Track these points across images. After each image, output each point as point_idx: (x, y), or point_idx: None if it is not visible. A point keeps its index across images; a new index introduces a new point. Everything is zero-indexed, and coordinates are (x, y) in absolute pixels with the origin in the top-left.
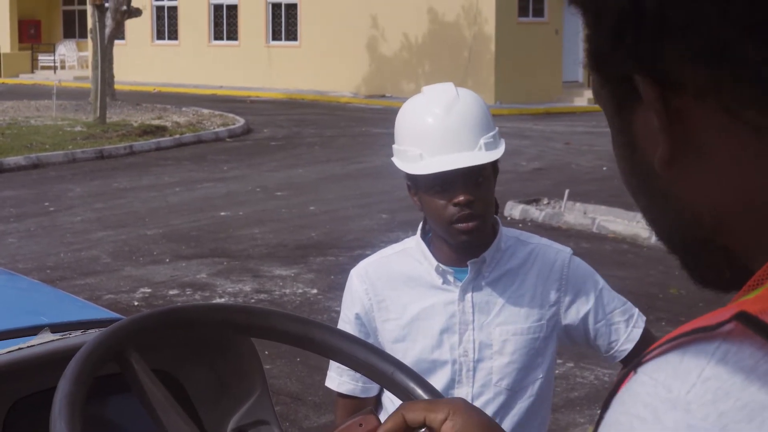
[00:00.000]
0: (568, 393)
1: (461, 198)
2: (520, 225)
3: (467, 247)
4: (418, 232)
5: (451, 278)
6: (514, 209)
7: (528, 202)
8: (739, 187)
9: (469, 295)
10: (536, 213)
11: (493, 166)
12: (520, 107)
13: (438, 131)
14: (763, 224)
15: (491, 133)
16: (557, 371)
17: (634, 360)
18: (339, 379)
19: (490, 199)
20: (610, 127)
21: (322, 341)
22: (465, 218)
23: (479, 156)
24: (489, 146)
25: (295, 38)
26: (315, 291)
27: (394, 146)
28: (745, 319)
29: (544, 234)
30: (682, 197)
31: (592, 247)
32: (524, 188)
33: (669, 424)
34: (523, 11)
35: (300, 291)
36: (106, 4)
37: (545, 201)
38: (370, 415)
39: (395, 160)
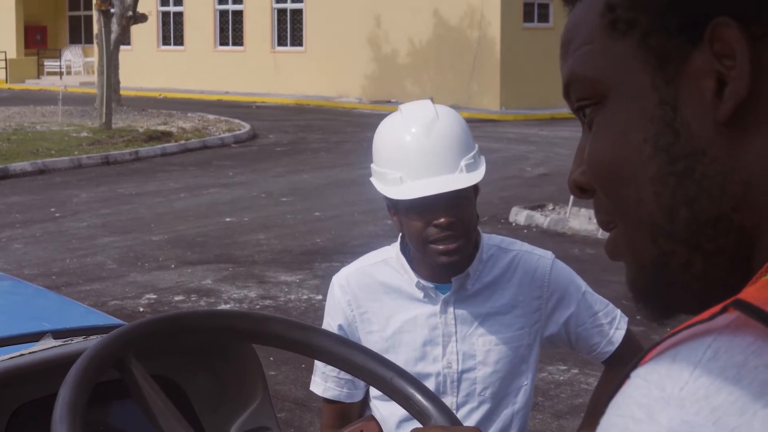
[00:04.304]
0: (573, 399)
1: (442, 220)
2: (525, 231)
3: (448, 267)
4: (398, 245)
5: (432, 293)
6: (519, 215)
7: (533, 208)
8: None
9: (451, 308)
10: (541, 219)
11: (474, 185)
12: (526, 113)
13: (418, 154)
14: None
15: (471, 153)
16: (561, 378)
17: (615, 360)
18: (324, 384)
19: (472, 219)
20: (620, 100)
21: (322, 347)
22: (445, 239)
23: (461, 179)
24: (470, 167)
25: (300, 44)
26: (320, 297)
27: (373, 166)
28: (740, 305)
29: (549, 240)
30: (720, 161)
31: (597, 252)
32: (529, 194)
33: (663, 421)
34: (528, 17)
35: (305, 297)
36: (112, 10)
37: (550, 207)
38: (371, 421)
39: (374, 181)
